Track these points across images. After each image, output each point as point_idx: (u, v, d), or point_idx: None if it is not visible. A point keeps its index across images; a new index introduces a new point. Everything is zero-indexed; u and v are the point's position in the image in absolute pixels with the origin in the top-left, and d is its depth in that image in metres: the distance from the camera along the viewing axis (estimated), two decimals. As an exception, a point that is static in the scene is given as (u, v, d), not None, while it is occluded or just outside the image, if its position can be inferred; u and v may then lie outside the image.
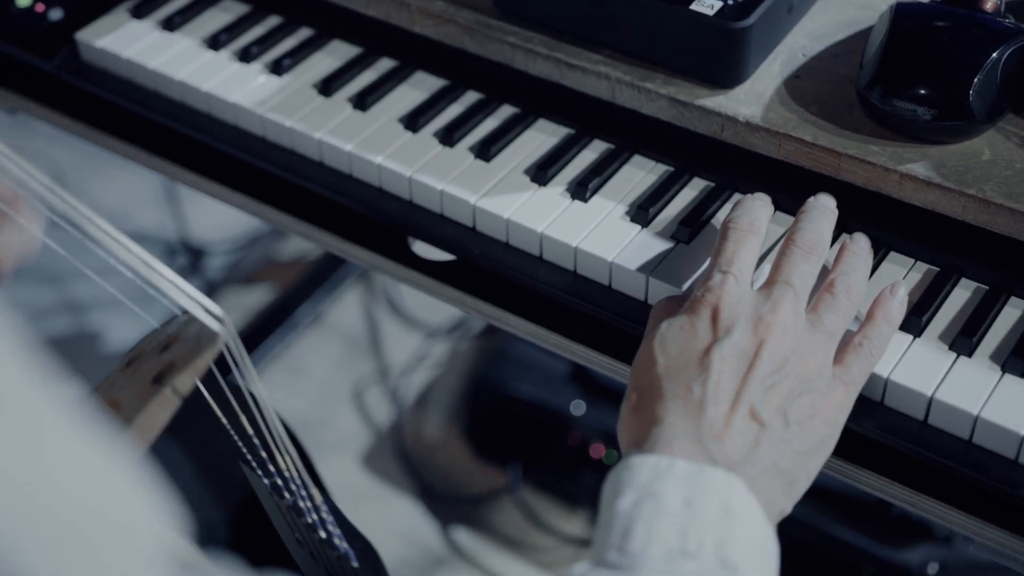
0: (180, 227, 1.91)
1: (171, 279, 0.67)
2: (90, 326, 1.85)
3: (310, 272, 1.86)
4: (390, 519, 1.60)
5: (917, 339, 0.77)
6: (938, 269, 0.81)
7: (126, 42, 1.05)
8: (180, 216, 1.91)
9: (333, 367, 1.80)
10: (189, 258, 1.93)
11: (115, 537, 0.45)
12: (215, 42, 1.04)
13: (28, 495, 0.42)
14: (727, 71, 0.86)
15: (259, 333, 1.78)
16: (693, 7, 0.84)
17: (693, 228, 0.85)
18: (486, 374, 1.64)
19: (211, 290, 1.90)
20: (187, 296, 0.67)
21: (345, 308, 1.87)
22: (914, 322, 0.77)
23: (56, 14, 1.08)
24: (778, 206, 0.85)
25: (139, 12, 1.08)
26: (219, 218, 1.92)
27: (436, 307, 1.81)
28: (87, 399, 0.72)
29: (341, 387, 1.77)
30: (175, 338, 0.70)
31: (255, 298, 1.89)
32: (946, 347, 0.76)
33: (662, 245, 0.84)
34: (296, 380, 1.79)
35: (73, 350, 1.83)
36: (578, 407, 1.55)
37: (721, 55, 0.85)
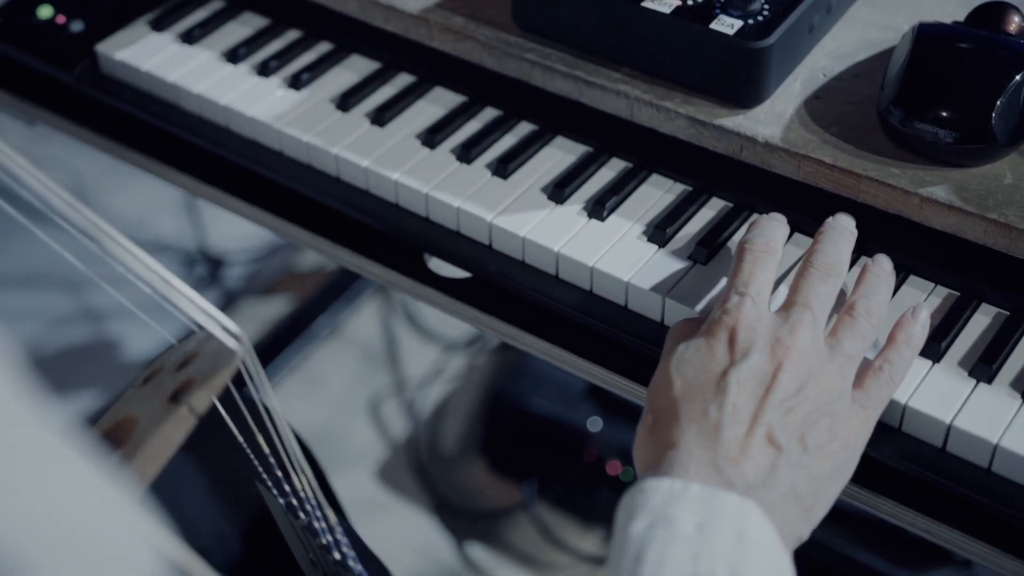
0: (199, 237, 1.92)
1: (189, 296, 0.67)
2: (109, 334, 1.86)
3: (328, 284, 1.86)
4: (405, 533, 1.60)
5: (936, 365, 0.76)
6: (958, 294, 0.80)
7: (146, 55, 1.05)
8: (199, 226, 1.91)
9: (350, 379, 1.80)
10: (208, 268, 1.93)
11: (110, 554, 0.45)
12: (234, 56, 1.04)
13: (21, 514, 0.41)
14: (747, 91, 0.85)
15: (277, 344, 1.78)
16: (713, 26, 0.84)
17: (711, 249, 0.84)
18: (503, 388, 1.63)
19: (229, 301, 1.90)
20: (205, 314, 0.67)
21: (363, 320, 1.87)
22: (933, 347, 0.76)
23: (77, 26, 1.08)
24: (797, 227, 0.84)
25: (159, 25, 1.08)
26: (238, 228, 1.92)
27: (454, 321, 1.80)
28: (80, 422, 0.72)
29: (358, 399, 1.77)
30: (193, 355, 0.69)
31: (273, 309, 1.89)
32: (966, 373, 0.75)
33: (679, 265, 0.84)
34: (313, 392, 1.78)
35: (91, 359, 1.84)
36: (595, 423, 1.54)
37: (741, 75, 0.84)
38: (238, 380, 0.68)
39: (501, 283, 0.88)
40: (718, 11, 0.85)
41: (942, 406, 0.73)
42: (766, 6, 0.85)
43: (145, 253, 0.66)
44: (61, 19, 1.08)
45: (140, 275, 0.67)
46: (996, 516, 0.72)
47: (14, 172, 0.67)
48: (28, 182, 0.68)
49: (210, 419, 0.69)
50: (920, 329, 0.74)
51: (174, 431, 0.66)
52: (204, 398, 0.66)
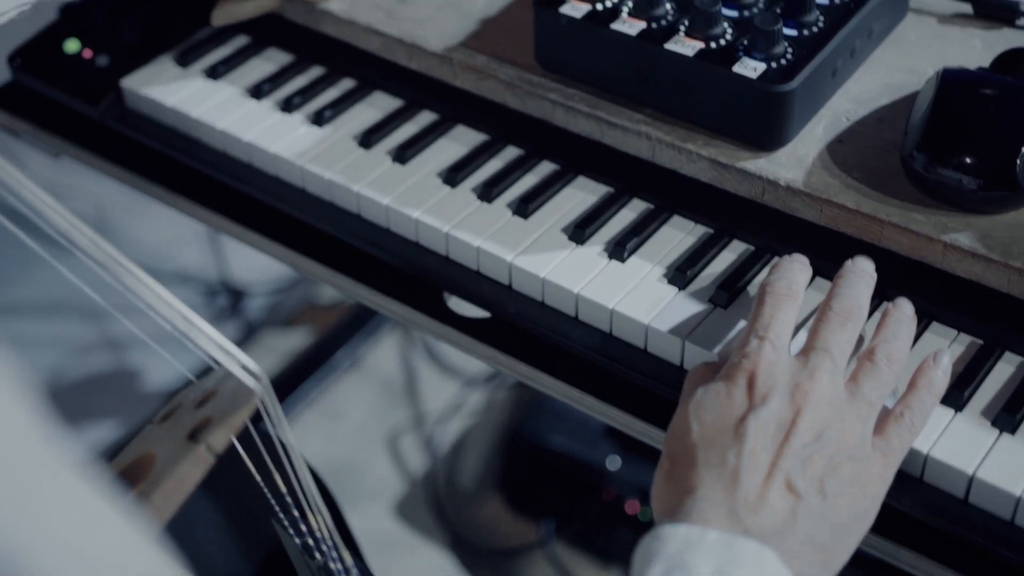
0: (221, 267, 1.92)
1: (209, 333, 0.67)
2: (129, 364, 1.86)
3: (349, 317, 1.86)
4: (421, 569, 1.59)
5: (959, 414, 0.75)
6: (981, 341, 0.80)
7: (170, 90, 1.05)
8: (221, 256, 1.92)
9: (369, 413, 1.80)
10: (229, 299, 1.93)
11: None
12: (258, 91, 1.05)
13: (37, 549, 0.41)
14: (769, 134, 0.85)
15: (296, 377, 1.78)
16: (736, 69, 0.83)
17: (731, 292, 0.83)
18: (522, 425, 1.63)
19: (250, 332, 1.90)
20: (225, 352, 0.67)
21: (383, 354, 1.87)
22: (956, 396, 0.75)
23: (103, 60, 1.09)
24: (819, 271, 0.84)
25: (184, 60, 1.08)
26: (260, 260, 1.91)
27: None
28: (98, 453, 0.72)
29: (376, 433, 1.77)
30: (212, 393, 0.69)
31: (293, 341, 1.89)
32: (988, 423, 0.75)
33: (699, 308, 0.83)
34: (332, 425, 1.78)
35: (111, 388, 1.84)
36: (613, 462, 1.54)
37: (763, 118, 0.84)
38: (255, 415, 0.69)
39: (520, 323, 0.87)
40: (741, 53, 0.85)
41: (964, 456, 0.72)
42: (789, 49, 0.85)
43: (165, 290, 0.66)
44: (88, 54, 1.09)
45: (160, 311, 0.68)
46: (1019, 570, 0.71)
47: (33, 204, 0.68)
48: (47, 214, 0.68)
49: (227, 456, 0.69)
50: (942, 375, 0.73)
51: (192, 470, 0.66)
52: (222, 437, 0.66)
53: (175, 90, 1.05)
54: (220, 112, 1.03)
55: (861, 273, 0.76)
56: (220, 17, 1.02)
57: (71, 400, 1.81)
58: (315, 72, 1.07)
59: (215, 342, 0.67)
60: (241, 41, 1.10)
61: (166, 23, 1.11)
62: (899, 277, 0.81)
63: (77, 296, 0.76)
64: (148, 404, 1.80)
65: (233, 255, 1.93)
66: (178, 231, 2.00)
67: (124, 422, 1.78)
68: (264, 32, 1.09)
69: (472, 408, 1.77)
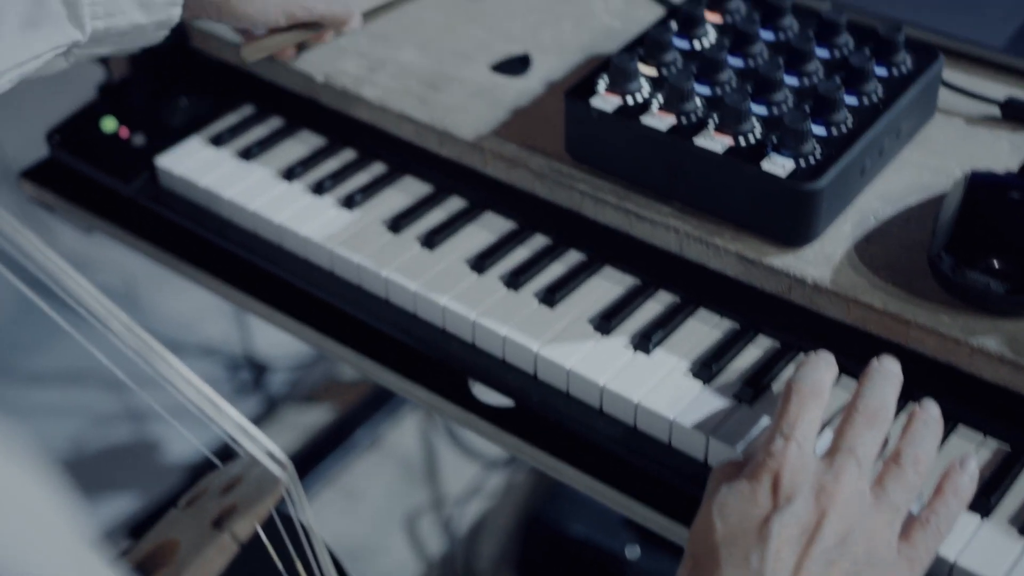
0: (245, 340, 1.93)
1: (236, 419, 0.68)
2: (151, 436, 1.87)
3: (370, 395, 1.87)
4: (436, 653, 1.57)
5: (985, 520, 0.75)
6: (1009, 447, 0.79)
7: (203, 170, 1.07)
8: (245, 329, 1.92)
9: (388, 493, 1.79)
10: (251, 373, 1.94)
11: None
12: (290, 174, 1.06)
13: None
14: (797, 231, 0.85)
15: (316, 454, 1.78)
16: (765, 167, 0.84)
17: (757, 388, 0.83)
18: (541, 510, 1.62)
19: (271, 407, 1.91)
20: (251, 438, 0.68)
21: (403, 433, 1.86)
22: (983, 502, 0.75)
23: (139, 139, 1.10)
24: (845, 369, 0.83)
25: (218, 140, 1.10)
26: (283, 334, 1.93)
27: (494, 437, 1.80)
28: (118, 525, 0.73)
29: (395, 513, 1.76)
30: (237, 480, 0.70)
31: (314, 417, 1.89)
32: (1016, 531, 0.74)
33: (724, 404, 0.83)
34: (351, 504, 1.78)
35: (133, 459, 1.84)
36: (633, 551, 1.52)
37: (792, 215, 0.84)
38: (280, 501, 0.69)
39: (544, 413, 0.87)
40: (770, 150, 0.85)
41: (991, 564, 0.72)
42: (818, 147, 0.85)
43: (197, 377, 0.67)
44: (124, 132, 1.10)
45: (185, 391, 0.68)
46: None
47: (58, 276, 0.69)
48: (71, 287, 0.69)
49: (249, 541, 0.69)
50: (969, 480, 0.73)
51: (216, 557, 0.66)
52: (247, 525, 0.66)
53: (208, 170, 1.07)
54: (252, 193, 1.04)
55: (887, 374, 0.76)
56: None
57: (91, 471, 1.81)
58: (347, 155, 1.08)
59: (241, 427, 0.68)
60: (275, 123, 1.11)
61: (201, 103, 1.13)
62: (926, 378, 0.81)
63: (101, 366, 0.76)
64: (169, 477, 1.80)
65: (257, 328, 1.94)
66: (204, 303, 2.02)
67: (144, 495, 1.78)
68: (298, 114, 1.11)
69: (491, 491, 1.76)
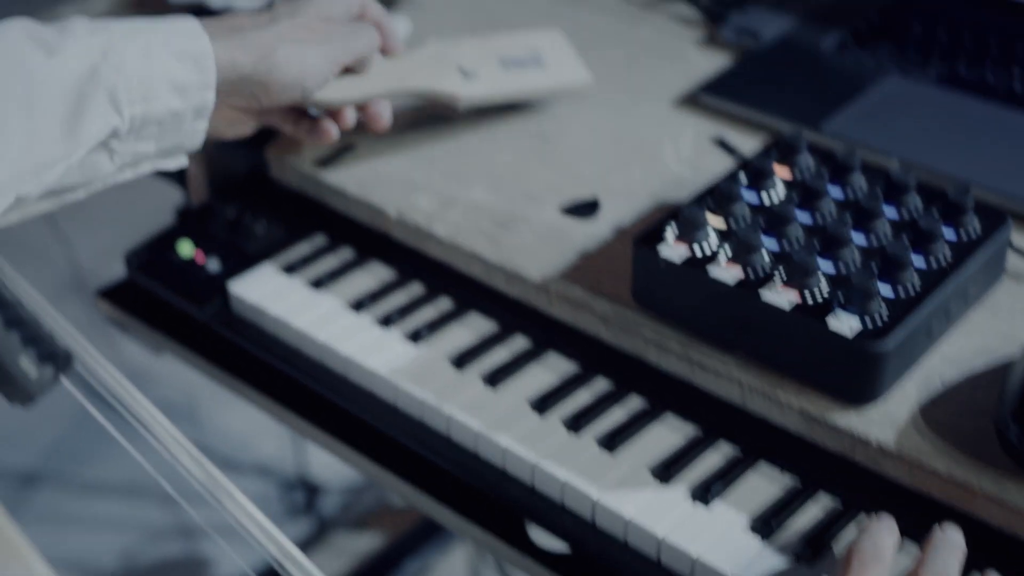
0: (299, 461, 1.94)
1: (285, 547, 0.68)
2: (201, 553, 1.87)
3: (421, 523, 1.86)
4: None
5: None
6: (1075, 624, 0.77)
7: (274, 298, 1.09)
8: (300, 449, 1.93)
9: (434, 624, 1.77)
10: (304, 494, 1.94)
11: None
12: (359, 305, 1.07)
13: None
14: (862, 390, 0.85)
15: (364, 581, 1.77)
16: (831, 326, 0.84)
17: (816, 548, 0.82)
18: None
19: (322, 530, 1.90)
20: (299, 566, 0.68)
21: (452, 565, 1.85)
22: None
23: (214, 265, 1.13)
24: (907, 532, 0.82)
25: (290, 269, 1.12)
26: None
27: None
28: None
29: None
30: None
31: (364, 543, 1.89)
32: None
33: (783, 563, 0.82)
34: (395, 634, 1.76)
35: (181, 576, 1.84)
36: None
37: (857, 375, 0.84)
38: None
39: (601, 561, 0.87)
40: (837, 308, 0.86)
41: None
42: (884, 306, 0.86)
43: (260, 512, 0.67)
44: (200, 258, 1.13)
45: (238, 517, 0.69)
46: None
47: (117, 393, 0.70)
48: (129, 403, 0.70)
49: None
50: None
51: None
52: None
53: (279, 298, 1.09)
54: (321, 323, 1.06)
55: (952, 545, 0.75)
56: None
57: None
58: (415, 289, 1.10)
59: (288, 553, 0.68)
60: (346, 254, 1.13)
61: (276, 231, 1.16)
62: (990, 548, 0.79)
63: (155, 481, 0.78)
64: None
65: (312, 449, 1.94)
66: (261, 421, 2.03)
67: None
68: (368, 246, 1.13)
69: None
